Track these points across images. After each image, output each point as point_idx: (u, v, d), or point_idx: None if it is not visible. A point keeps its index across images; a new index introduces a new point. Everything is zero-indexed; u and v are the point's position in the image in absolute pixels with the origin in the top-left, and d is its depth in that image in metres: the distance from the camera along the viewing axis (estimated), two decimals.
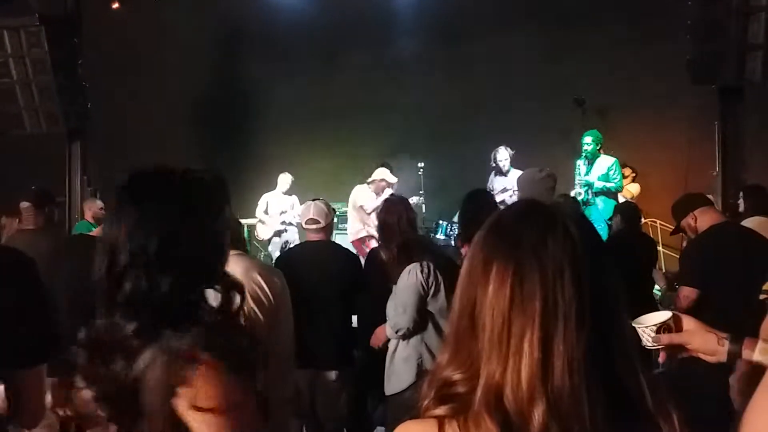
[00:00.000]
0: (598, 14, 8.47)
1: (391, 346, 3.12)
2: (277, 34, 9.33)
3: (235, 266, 2.09)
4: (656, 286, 4.92)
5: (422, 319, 3.01)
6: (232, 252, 2.15)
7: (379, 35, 9.35)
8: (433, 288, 3.01)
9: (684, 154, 6.80)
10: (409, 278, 3.02)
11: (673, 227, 3.87)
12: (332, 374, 3.37)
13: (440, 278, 3.00)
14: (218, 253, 1.24)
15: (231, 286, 1.20)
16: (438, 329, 3.00)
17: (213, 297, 1.18)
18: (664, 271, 5.29)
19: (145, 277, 1.11)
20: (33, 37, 6.07)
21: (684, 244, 4.73)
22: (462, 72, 9.28)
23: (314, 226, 3.57)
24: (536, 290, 0.82)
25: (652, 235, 6.20)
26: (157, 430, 1.05)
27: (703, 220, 3.58)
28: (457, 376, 0.88)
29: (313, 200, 3.66)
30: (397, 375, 3.06)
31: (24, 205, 4.38)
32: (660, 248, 6.19)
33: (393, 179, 7.04)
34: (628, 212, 4.54)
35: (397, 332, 3.04)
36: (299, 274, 3.46)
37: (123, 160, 7.69)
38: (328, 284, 3.30)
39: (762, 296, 2.76)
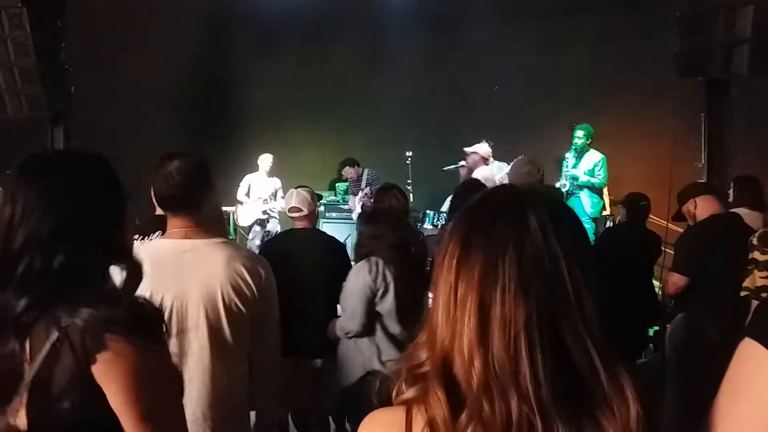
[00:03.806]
0: (585, 6, 8.48)
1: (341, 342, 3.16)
2: (267, 19, 9.24)
3: (218, 255, 2.05)
4: (657, 284, 4.89)
5: (371, 322, 3.02)
6: (216, 240, 2.13)
7: (369, 22, 9.29)
8: (381, 289, 2.99)
9: (669, 147, 6.83)
10: (357, 280, 3.01)
11: (658, 219, 3.89)
12: (317, 363, 3.37)
13: (390, 276, 2.98)
14: (114, 229, 1.26)
15: (132, 263, 1.25)
16: (386, 330, 3.01)
17: (118, 274, 1.23)
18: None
19: (38, 256, 1.14)
20: (15, 18, 5.94)
21: (666, 235, 4.76)
22: (452, 62, 9.26)
23: (297, 214, 3.57)
24: (478, 260, 0.87)
25: None
26: (74, 400, 1.09)
27: (702, 207, 3.62)
28: (424, 356, 0.91)
29: (297, 188, 3.64)
30: (345, 370, 3.12)
31: None
32: None
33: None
34: (632, 206, 4.49)
35: (346, 334, 3.07)
36: (283, 262, 3.44)
37: (107, 145, 7.59)
38: (313, 272, 3.29)
39: (743, 293, 2.79)
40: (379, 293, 2.99)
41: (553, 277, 0.87)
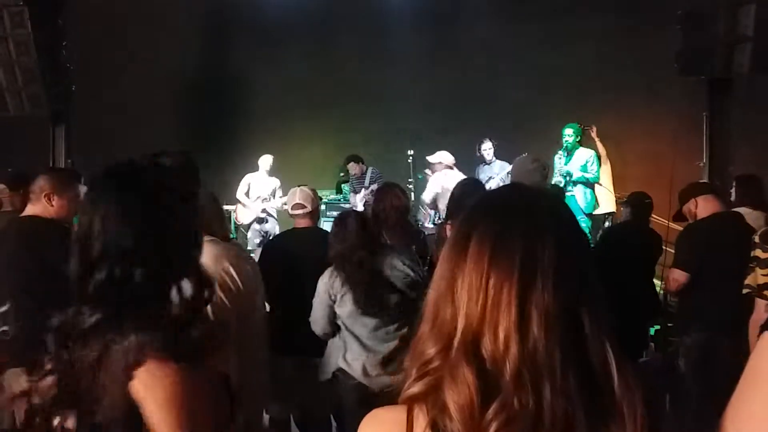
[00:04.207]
0: (587, 4, 8.47)
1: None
2: (268, 19, 9.24)
3: (205, 253, 2.06)
4: (658, 283, 4.89)
5: (333, 325, 3.12)
6: (203, 238, 2.13)
7: (371, 22, 9.28)
8: (339, 294, 3.03)
9: (671, 146, 6.84)
10: (319, 285, 3.09)
11: (659, 218, 3.88)
12: (320, 362, 3.36)
13: (347, 285, 3.01)
14: (193, 246, 1.26)
15: (202, 279, 1.23)
16: (351, 332, 3.07)
17: (187, 288, 1.20)
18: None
19: (119, 268, 1.13)
20: (16, 17, 5.94)
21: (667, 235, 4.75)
22: (452, 60, 9.25)
23: (301, 211, 3.57)
24: (517, 247, 0.86)
25: None
26: (112, 415, 1.09)
27: (703, 207, 3.62)
28: (432, 350, 0.89)
29: (299, 186, 3.67)
30: (323, 368, 3.23)
31: None
32: None
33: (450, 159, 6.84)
34: (637, 205, 4.48)
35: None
36: (286, 261, 3.44)
37: (108, 144, 7.60)
38: (316, 271, 3.29)
39: (745, 290, 2.79)
40: (338, 298, 3.04)
41: (580, 268, 0.89)
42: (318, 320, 3.12)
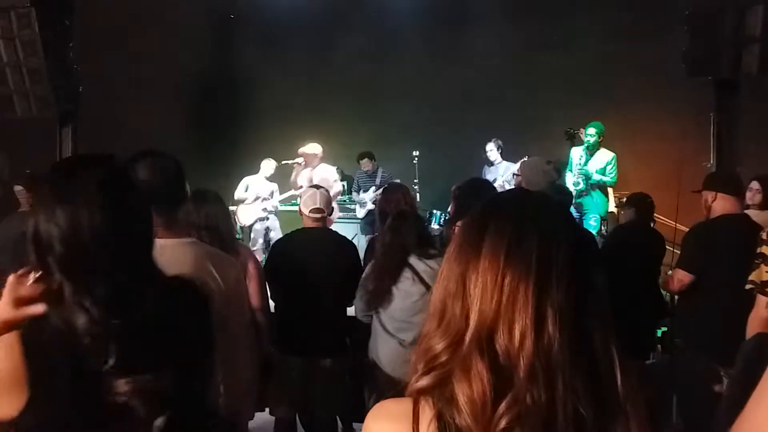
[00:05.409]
0: (594, 4, 8.45)
1: None
2: (271, 20, 9.25)
3: (187, 255, 2.05)
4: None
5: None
6: (185, 239, 2.14)
7: (374, 22, 9.29)
8: None
9: (678, 147, 6.80)
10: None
11: (666, 219, 3.86)
12: (326, 362, 3.37)
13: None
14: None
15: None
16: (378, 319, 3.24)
17: None
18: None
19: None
20: (23, 18, 5.96)
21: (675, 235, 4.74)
22: (458, 61, 9.24)
23: (318, 215, 3.54)
24: (533, 247, 0.88)
25: None
26: None
27: (719, 204, 3.58)
28: (440, 345, 0.90)
29: (318, 188, 3.63)
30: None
31: (17, 188, 4.45)
32: None
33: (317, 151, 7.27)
34: (641, 205, 4.47)
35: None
36: (296, 261, 3.44)
37: (114, 145, 7.61)
38: (325, 272, 3.29)
39: (748, 286, 2.77)
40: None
41: (588, 269, 0.91)
42: (357, 303, 3.27)
